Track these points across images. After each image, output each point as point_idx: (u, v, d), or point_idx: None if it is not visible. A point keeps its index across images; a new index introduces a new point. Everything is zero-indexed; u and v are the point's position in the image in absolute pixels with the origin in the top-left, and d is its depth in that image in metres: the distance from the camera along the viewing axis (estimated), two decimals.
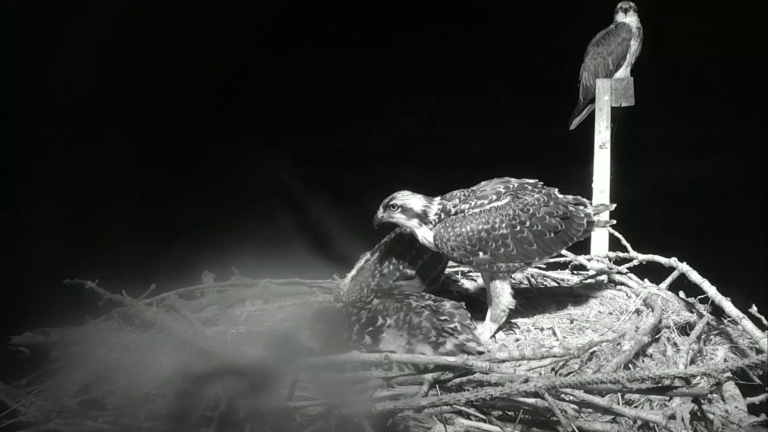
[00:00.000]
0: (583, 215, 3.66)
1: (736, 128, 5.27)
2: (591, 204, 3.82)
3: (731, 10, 5.14)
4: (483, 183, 3.64)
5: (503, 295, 3.55)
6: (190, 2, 5.42)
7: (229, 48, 5.49)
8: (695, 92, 5.32)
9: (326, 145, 5.70)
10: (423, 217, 3.51)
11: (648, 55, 4.97)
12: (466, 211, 3.48)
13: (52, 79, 4.98)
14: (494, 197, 3.52)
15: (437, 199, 3.57)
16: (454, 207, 3.50)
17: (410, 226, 3.56)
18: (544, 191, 3.60)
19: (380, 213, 3.57)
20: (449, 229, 3.45)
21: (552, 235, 3.52)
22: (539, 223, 3.49)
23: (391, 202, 3.54)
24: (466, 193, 3.58)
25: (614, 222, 3.88)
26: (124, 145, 5.28)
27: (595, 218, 3.73)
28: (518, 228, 3.46)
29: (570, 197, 3.72)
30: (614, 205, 3.88)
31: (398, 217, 3.54)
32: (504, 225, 3.44)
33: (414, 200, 3.53)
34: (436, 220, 3.51)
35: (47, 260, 4.53)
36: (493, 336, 3.58)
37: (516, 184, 3.59)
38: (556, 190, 3.67)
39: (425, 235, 3.54)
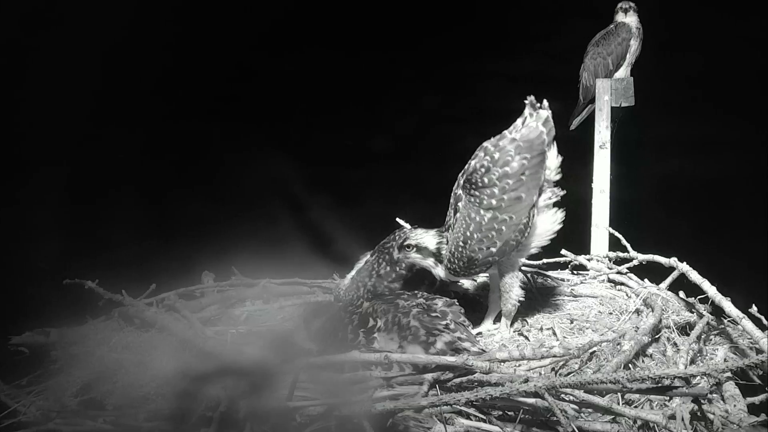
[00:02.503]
0: (534, 125, 3.41)
1: (736, 128, 5.28)
2: (528, 107, 3.50)
3: (731, 10, 5.14)
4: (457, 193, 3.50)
5: (513, 289, 3.53)
6: (195, 2, 5.42)
7: (230, 47, 5.49)
8: (695, 92, 5.32)
9: (327, 145, 5.70)
10: (438, 255, 3.46)
11: (648, 55, 4.97)
12: (452, 237, 3.42)
13: (53, 77, 4.98)
14: (460, 204, 3.42)
15: (444, 230, 3.50)
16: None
17: (426, 265, 3.51)
18: (480, 153, 3.39)
19: (395, 254, 3.49)
20: (458, 263, 3.40)
21: (526, 173, 3.34)
22: (506, 177, 3.31)
23: (406, 243, 3.47)
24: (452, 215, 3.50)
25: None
26: (124, 144, 5.28)
27: (543, 112, 3.46)
28: (494, 201, 3.32)
29: (518, 123, 3.46)
30: (531, 96, 3.52)
31: (414, 257, 3.49)
32: (482, 211, 3.33)
33: (428, 238, 3.46)
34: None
35: (47, 260, 4.53)
36: (509, 329, 3.59)
37: (465, 176, 3.42)
38: (491, 140, 3.45)
39: (441, 274, 3.50)
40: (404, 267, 3.56)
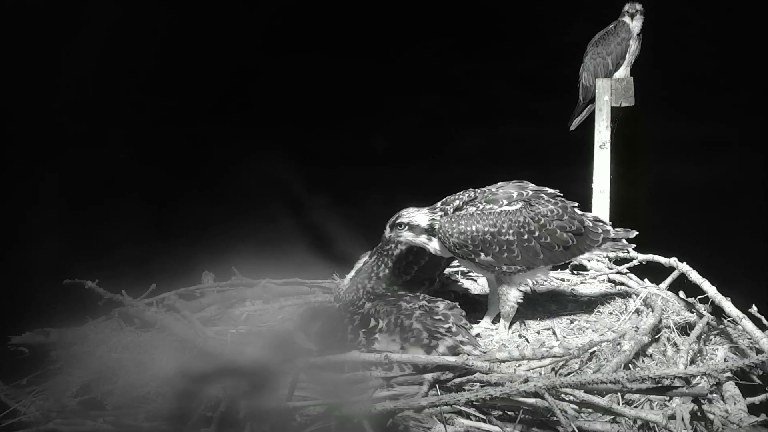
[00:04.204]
0: (600, 231, 3.60)
1: (736, 128, 5.27)
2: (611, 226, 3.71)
3: (731, 10, 5.14)
4: (499, 184, 3.60)
5: (510, 291, 3.53)
6: (196, 4, 5.42)
7: (230, 49, 5.49)
8: (695, 92, 5.32)
9: (327, 145, 5.70)
10: (431, 232, 3.48)
11: (648, 55, 4.97)
12: (474, 211, 3.45)
13: (53, 78, 4.98)
14: (505, 202, 3.48)
15: (438, 206, 3.53)
16: (454, 208, 3.48)
17: (419, 243, 3.52)
18: (560, 204, 3.53)
19: (387, 233, 3.53)
20: (454, 225, 3.42)
21: (561, 248, 3.49)
22: (549, 235, 3.45)
23: (398, 221, 3.49)
24: (473, 194, 3.53)
25: (634, 246, 3.76)
26: (124, 145, 5.28)
27: (614, 233, 3.64)
28: (526, 237, 3.42)
29: (590, 215, 3.67)
30: (635, 233, 3.71)
31: (406, 235, 3.50)
32: (511, 231, 3.41)
33: (420, 216, 3.48)
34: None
35: (47, 260, 4.53)
36: (507, 330, 3.60)
37: (531, 192, 3.54)
38: (576, 205, 3.61)
39: (436, 247, 3.52)
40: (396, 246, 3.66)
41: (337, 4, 5.70)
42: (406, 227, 3.49)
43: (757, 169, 5.11)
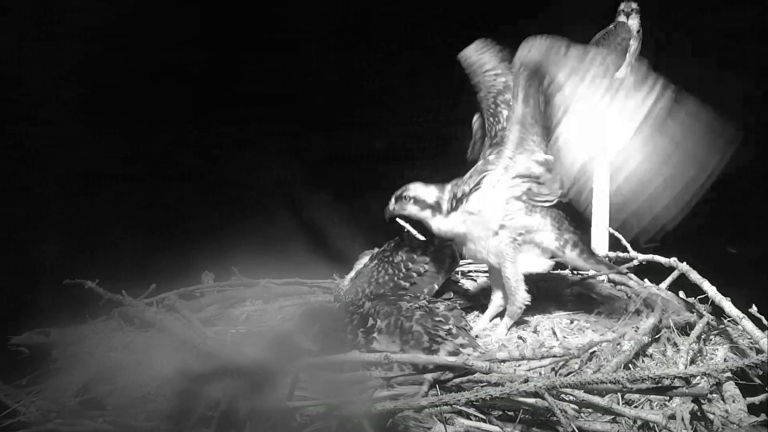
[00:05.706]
0: None
1: (736, 128, 5.26)
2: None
3: (731, 9, 5.14)
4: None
5: (518, 292, 3.50)
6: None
7: (228, 44, 5.48)
8: (695, 92, 5.31)
9: (327, 144, 5.70)
10: (436, 208, 3.47)
11: (648, 55, 4.97)
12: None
13: (51, 75, 4.97)
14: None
15: (448, 187, 3.51)
16: (462, 192, 3.45)
17: (423, 217, 3.51)
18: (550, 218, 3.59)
19: (391, 205, 3.52)
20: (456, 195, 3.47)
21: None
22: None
23: (404, 194, 3.49)
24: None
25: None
26: (124, 143, 5.27)
27: None
28: None
29: None
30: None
31: (410, 209, 3.49)
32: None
33: (427, 192, 3.48)
34: (449, 208, 3.46)
35: (47, 260, 4.53)
36: (506, 330, 3.59)
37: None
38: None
39: (439, 225, 3.49)
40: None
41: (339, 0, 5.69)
42: (412, 200, 3.48)
43: (758, 168, 5.10)
